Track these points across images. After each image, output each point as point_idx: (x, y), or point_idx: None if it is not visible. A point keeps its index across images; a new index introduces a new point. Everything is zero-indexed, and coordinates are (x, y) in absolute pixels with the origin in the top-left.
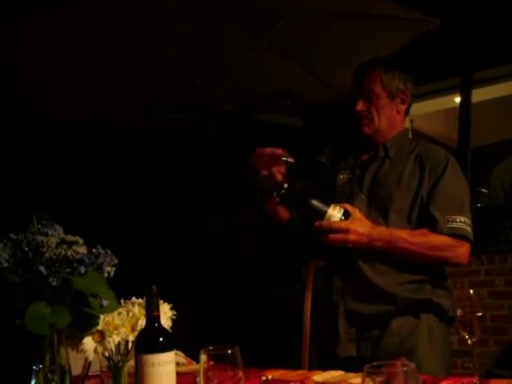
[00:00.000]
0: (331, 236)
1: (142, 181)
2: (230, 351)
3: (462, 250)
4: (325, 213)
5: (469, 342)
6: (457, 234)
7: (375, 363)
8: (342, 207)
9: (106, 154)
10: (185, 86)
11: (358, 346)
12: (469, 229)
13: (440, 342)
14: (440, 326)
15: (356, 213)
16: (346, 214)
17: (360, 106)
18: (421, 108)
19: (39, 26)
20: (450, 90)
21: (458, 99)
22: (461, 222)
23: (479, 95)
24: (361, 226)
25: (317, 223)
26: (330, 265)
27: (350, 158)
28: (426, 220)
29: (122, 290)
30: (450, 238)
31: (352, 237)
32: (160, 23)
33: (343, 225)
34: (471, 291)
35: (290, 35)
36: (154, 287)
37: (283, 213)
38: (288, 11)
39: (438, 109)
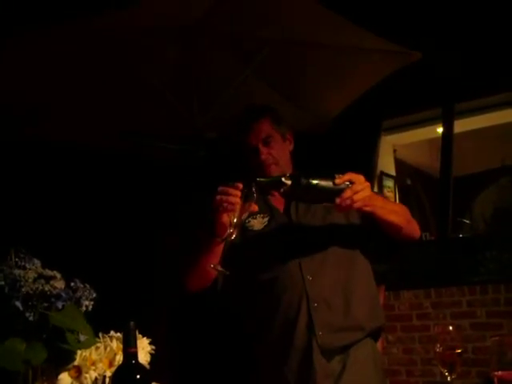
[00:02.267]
0: (354, 188)
1: (124, 211)
2: None
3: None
4: (335, 177)
5: (448, 378)
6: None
7: None
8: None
9: (86, 183)
10: (169, 114)
11: (337, 382)
12: None
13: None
14: (376, 348)
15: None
16: (350, 182)
17: (264, 154)
18: (404, 138)
19: (25, 48)
20: (432, 121)
21: (440, 129)
22: None
23: (461, 126)
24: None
25: (337, 180)
26: (285, 300)
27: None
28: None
29: (102, 322)
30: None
31: (364, 182)
32: (145, 51)
33: (358, 176)
34: (450, 327)
35: (274, 65)
36: (131, 323)
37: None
38: (272, 41)
39: (420, 139)
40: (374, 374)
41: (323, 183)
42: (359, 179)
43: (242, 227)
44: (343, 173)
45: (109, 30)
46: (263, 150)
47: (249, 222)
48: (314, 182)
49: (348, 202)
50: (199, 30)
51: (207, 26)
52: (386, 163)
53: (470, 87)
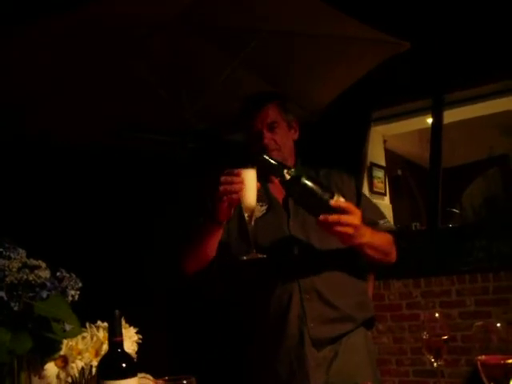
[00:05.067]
0: (342, 216)
1: (111, 202)
2: (185, 382)
3: (395, 249)
4: (333, 196)
5: (435, 364)
6: (393, 231)
7: None
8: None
9: (72, 172)
10: (157, 106)
11: (328, 369)
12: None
13: (374, 352)
14: (369, 336)
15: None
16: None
17: (267, 139)
18: (394, 128)
19: (12, 43)
20: (422, 111)
21: (430, 120)
22: (389, 222)
23: (451, 116)
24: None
25: (332, 201)
26: (276, 291)
27: None
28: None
29: (89, 312)
30: (391, 236)
31: (357, 221)
32: (133, 43)
33: (354, 208)
34: (437, 314)
35: (263, 55)
36: (117, 312)
37: (212, 248)
38: (261, 32)
39: (410, 129)
40: (366, 361)
41: (319, 193)
42: (353, 212)
43: (239, 214)
44: (342, 192)
45: (95, 20)
46: (267, 134)
47: None
48: (312, 186)
49: (329, 225)
50: (186, 21)
51: (194, 17)
52: (376, 154)
53: (459, 77)
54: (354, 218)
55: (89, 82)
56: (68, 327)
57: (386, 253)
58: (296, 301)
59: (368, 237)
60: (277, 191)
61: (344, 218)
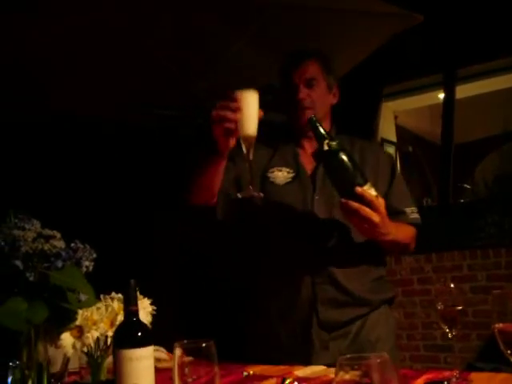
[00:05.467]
0: (362, 208)
1: (122, 174)
2: (204, 345)
3: (414, 241)
4: (365, 184)
5: (449, 335)
6: (417, 224)
7: (348, 355)
8: (375, 189)
9: (84, 146)
10: (166, 82)
11: (333, 352)
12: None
13: (394, 325)
14: (390, 311)
15: (383, 201)
16: (376, 197)
17: (303, 94)
18: (405, 104)
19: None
20: (434, 87)
21: (441, 95)
22: (417, 212)
23: (463, 91)
24: (386, 216)
25: (359, 188)
26: (290, 269)
27: (283, 150)
28: (388, 213)
29: (103, 284)
30: (414, 229)
31: (377, 219)
32: (140, 20)
33: (379, 205)
34: (452, 285)
35: (273, 30)
36: (132, 281)
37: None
38: (271, 6)
39: (422, 105)
40: (384, 337)
41: (352, 175)
42: (377, 208)
43: (263, 175)
44: (377, 170)
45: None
46: (304, 89)
47: (272, 172)
48: (348, 165)
49: (348, 211)
50: None
51: None
52: (387, 130)
53: (472, 52)
54: (375, 215)
55: (96, 59)
56: (83, 297)
57: (405, 247)
58: (307, 283)
59: (392, 235)
60: (306, 161)
61: (364, 210)
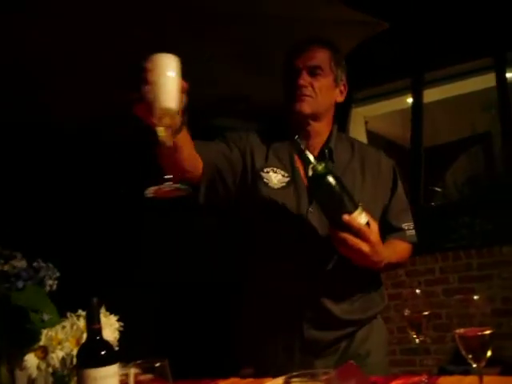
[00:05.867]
0: (350, 238)
1: (90, 185)
2: (158, 364)
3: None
4: (354, 210)
5: (416, 341)
6: (413, 242)
7: (296, 373)
8: (367, 215)
9: (49, 157)
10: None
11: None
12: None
13: (385, 336)
14: (383, 324)
15: (375, 226)
16: (367, 224)
17: (304, 80)
18: (375, 109)
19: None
20: (403, 91)
21: (410, 100)
22: (413, 228)
23: (431, 95)
24: (379, 244)
25: (346, 217)
26: (280, 285)
27: (278, 150)
28: (385, 229)
29: (71, 302)
30: (410, 246)
31: (366, 249)
32: (111, 28)
33: (369, 234)
34: (418, 291)
35: (245, 40)
36: (94, 299)
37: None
38: (238, 16)
39: (391, 110)
40: (374, 349)
41: (340, 201)
42: (366, 238)
43: (258, 173)
44: (377, 179)
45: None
46: (306, 76)
47: (267, 172)
48: (336, 189)
49: (335, 240)
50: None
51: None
52: (358, 135)
53: (439, 56)
54: (365, 244)
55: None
56: (46, 317)
57: (399, 265)
58: (293, 302)
59: (386, 260)
60: (302, 165)
61: (351, 240)
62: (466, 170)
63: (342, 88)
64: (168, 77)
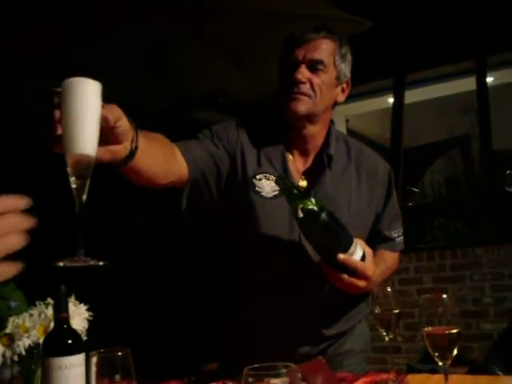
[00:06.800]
0: (346, 277)
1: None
2: (120, 353)
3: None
4: (350, 246)
5: (386, 338)
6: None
7: (256, 365)
8: (361, 245)
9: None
10: (121, 85)
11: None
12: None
13: (366, 337)
14: (364, 325)
15: (370, 255)
16: (363, 256)
17: (302, 75)
18: (356, 108)
19: None
20: (384, 91)
21: (391, 100)
22: (402, 233)
23: (412, 96)
24: (374, 272)
25: (342, 256)
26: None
27: (269, 152)
28: (375, 237)
29: (40, 291)
30: (399, 255)
31: (362, 285)
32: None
33: (365, 271)
34: (388, 289)
35: (224, 35)
36: (62, 287)
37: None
38: (222, 11)
39: (372, 109)
40: (357, 345)
41: (335, 239)
42: (363, 276)
43: (249, 182)
44: (372, 186)
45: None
46: (304, 71)
47: (260, 179)
48: (331, 226)
49: (330, 277)
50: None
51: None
52: None
53: (420, 58)
54: (361, 281)
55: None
56: (13, 304)
57: (388, 276)
58: (278, 322)
59: (379, 280)
60: (295, 172)
61: (347, 280)
62: (444, 172)
63: (345, 86)
64: (82, 114)
